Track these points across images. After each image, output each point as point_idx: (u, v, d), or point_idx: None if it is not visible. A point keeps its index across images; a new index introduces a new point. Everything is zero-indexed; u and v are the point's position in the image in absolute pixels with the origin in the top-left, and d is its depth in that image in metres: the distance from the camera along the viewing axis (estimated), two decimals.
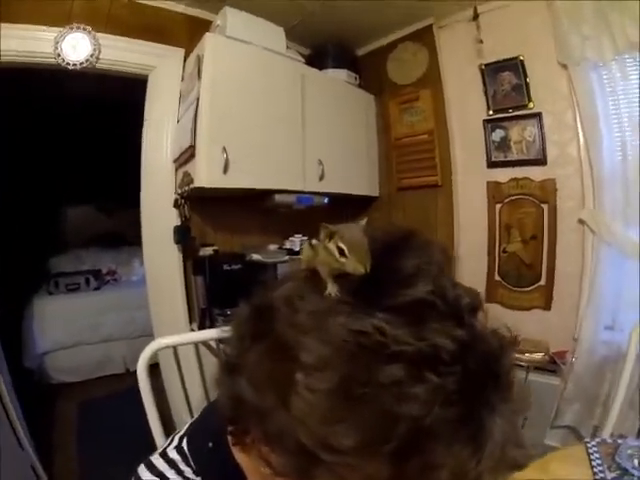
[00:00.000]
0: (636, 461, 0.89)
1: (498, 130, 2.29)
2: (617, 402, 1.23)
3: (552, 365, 2.08)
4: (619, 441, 0.97)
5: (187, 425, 0.61)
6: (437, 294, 0.38)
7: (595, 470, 0.89)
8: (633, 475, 0.86)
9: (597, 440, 0.99)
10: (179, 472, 0.54)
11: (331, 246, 0.43)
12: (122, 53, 1.98)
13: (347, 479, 0.35)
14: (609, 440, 0.99)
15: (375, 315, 0.36)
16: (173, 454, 0.56)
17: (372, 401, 0.34)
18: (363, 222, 0.47)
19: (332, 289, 0.41)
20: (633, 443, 0.94)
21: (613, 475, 0.88)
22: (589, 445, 0.98)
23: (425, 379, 0.34)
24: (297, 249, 2.33)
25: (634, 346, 1.24)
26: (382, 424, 0.33)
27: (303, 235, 2.40)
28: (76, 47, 1.85)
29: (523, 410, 0.39)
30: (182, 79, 2.13)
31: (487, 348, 0.37)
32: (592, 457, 0.93)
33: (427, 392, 0.33)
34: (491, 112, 2.31)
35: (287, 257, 2.27)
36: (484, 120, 2.34)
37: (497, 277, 2.36)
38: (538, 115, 2.15)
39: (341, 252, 0.42)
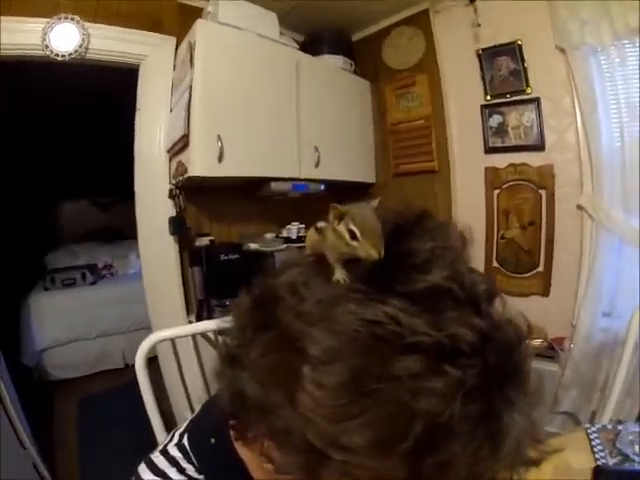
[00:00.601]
0: (637, 447, 0.89)
1: (496, 115, 2.27)
2: (615, 389, 1.23)
3: (550, 351, 2.09)
4: (619, 427, 0.96)
5: (187, 421, 0.59)
6: (454, 280, 0.35)
7: (597, 456, 0.89)
8: (634, 461, 0.86)
9: (598, 426, 0.99)
10: (181, 470, 0.52)
11: (341, 229, 0.40)
12: (112, 43, 1.93)
13: (358, 478, 0.33)
14: (609, 426, 0.99)
15: (389, 303, 0.33)
16: (174, 451, 0.54)
17: (386, 396, 0.31)
18: (375, 202, 0.44)
19: (341, 275, 0.38)
20: (634, 429, 0.94)
21: (614, 461, 0.88)
22: (590, 431, 0.97)
23: (444, 372, 0.31)
24: (294, 237, 2.32)
25: (633, 333, 1.23)
26: (397, 421, 0.31)
27: (300, 223, 2.38)
28: (64, 38, 1.80)
29: (538, 403, 0.37)
30: (174, 68, 2.09)
31: (505, 339, 0.35)
32: (593, 443, 0.93)
33: (446, 386, 0.31)
34: (489, 97, 2.29)
35: (284, 245, 2.26)
36: (481, 105, 2.32)
37: (495, 263, 2.36)
38: (536, 100, 2.13)
39: (352, 235, 0.39)
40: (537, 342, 2.05)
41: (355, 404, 0.32)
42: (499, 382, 0.33)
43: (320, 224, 0.44)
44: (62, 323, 3.26)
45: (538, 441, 0.36)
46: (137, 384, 1.07)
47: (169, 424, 1.08)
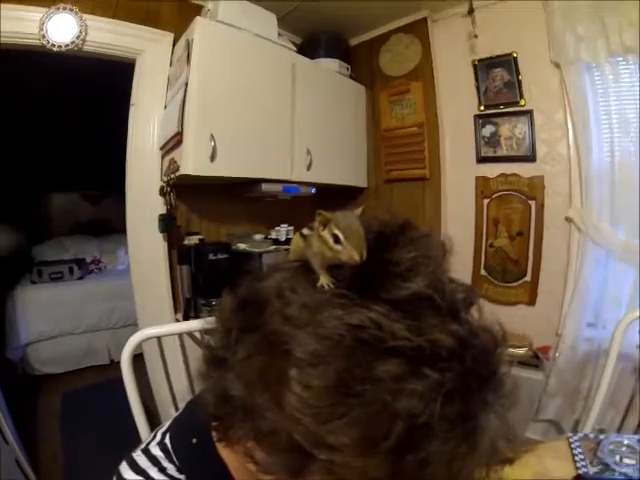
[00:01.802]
0: (617, 457, 0.90)
1: (489, 126, 2.30)
2: (598, 398, 1.25)
3: (535, 360, 2.10)
4: (601, 437, 0.98)
5: (170, 420, 0.59)
6: (435, 289, 0.37)
7: (578, 465, 0.90)
8: (614, 470, 0.87)
9: (580, 435, 1.00)
10: (162, 469, 0.52)
11: (325, 234, 0.41)
12: (109, 36, 1.92)
13: (342, 476, 0.34)
14: (591, 435, 1.00)
15: (372, 308, 0.35)
16: (156, 450, 0.54)
17: (370, 397, 0.33)
18: (359, 211, 0.45)
19: (325, 280, 0.39)
20: (615, 439, 0.95)
21: (595, 470, 0.89)
22: (572, 440, 0.99)
23: (424, 375, 0.33)
24: (283, 239, 2.32)
25: (617, 343, 1.25)
26: (380, 421, 0.33)
27: (289, 225, 2.38)
28: (62, 28, 1.78)
29: (513, 405, 0.39)
30: (171, 64, 2.08)
31: (482, 344, 0.37)
32: (575, 452, 0.94)
33: (426, 388, 0.33)
34: (482, 108, 2.31)
35: (273, 247, 2.26)
36: (475, 115, 2.35)
37: (483, 272, 2.38)
38: (529, 113, 2.16)
39: (336, 239, 0.40)
40: (522, 350, 2.07)
41: (340, 405, 0.33)
42: (476, 385, 0.35)
43: (305, 231, 0.45)
44: (48, 317, 3.22)
45: (512, 441, 0.38)
46: (122, 381, 1.06)
47: (153, 422, 1.07)
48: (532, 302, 2.23)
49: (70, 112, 3.88)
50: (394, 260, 0.39)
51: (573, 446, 0.97)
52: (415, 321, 0.35)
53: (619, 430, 1.39)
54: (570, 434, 1.02)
